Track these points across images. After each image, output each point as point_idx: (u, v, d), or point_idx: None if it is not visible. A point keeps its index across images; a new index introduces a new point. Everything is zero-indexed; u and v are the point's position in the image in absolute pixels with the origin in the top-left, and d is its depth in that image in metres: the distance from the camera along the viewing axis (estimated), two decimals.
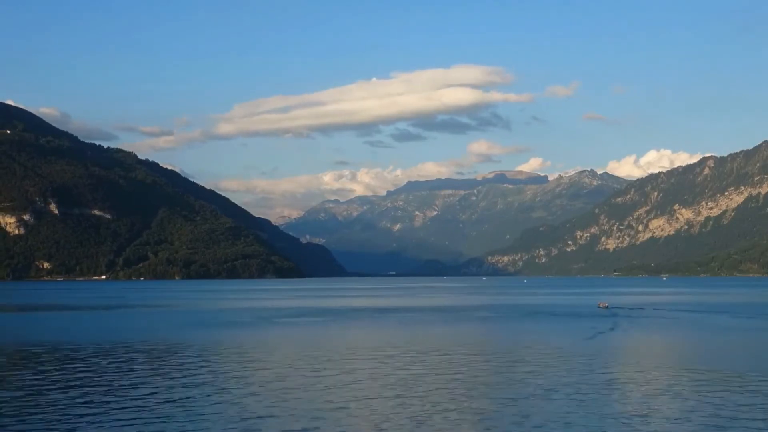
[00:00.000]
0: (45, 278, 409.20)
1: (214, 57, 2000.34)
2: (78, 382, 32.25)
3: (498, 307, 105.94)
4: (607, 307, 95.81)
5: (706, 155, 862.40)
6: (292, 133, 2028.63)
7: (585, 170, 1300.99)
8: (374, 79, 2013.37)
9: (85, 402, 27.47)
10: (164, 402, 27.40)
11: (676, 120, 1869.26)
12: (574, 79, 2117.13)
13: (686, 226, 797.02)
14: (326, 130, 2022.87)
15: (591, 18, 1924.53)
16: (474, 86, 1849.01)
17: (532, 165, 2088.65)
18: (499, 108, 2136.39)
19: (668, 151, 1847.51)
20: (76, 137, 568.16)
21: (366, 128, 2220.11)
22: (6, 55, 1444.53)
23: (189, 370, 36.36)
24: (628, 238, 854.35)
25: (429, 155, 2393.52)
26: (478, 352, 43.97)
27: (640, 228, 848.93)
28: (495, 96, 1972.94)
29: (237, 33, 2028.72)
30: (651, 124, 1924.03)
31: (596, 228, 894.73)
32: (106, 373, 35.32)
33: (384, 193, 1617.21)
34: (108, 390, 30.19)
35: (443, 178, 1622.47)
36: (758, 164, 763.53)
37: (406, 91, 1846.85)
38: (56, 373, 35.23)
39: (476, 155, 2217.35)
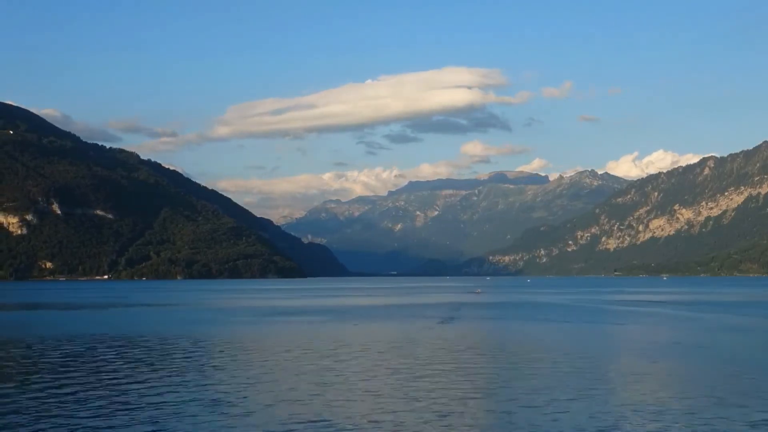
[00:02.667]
0: (47, 278, 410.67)
1: (207, 59, 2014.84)
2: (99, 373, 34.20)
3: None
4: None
5: (706, 155, 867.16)
6: (290, 135, 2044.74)
7: (585, 170, 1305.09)
8: (368, 81, 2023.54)
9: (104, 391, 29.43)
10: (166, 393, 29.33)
11: (676, 120, 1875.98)
12: (569, 81, 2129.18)
13: (686, 226, 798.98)
14: (323, 131, 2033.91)
15: (585, 19, 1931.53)
16: (468, 88, 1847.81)
17: (532, 165, 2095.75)
18: (496, 109, 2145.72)
19: (669, 152, 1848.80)
20: (79, 137, 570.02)
21: (362, 130, 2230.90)
22: (6, 57, 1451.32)
23: (197, 362, 38.33)
24: (628, 238, 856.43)
25: (426, 157, 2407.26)
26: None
27: (641, 228, 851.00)
28: (490, 97, 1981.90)
29: (227, 35, 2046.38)
30: (649, 125, 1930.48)
31: (597, 228, 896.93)
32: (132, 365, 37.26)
33: (385, 193, 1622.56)
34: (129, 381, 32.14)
35: (444, 178, 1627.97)
36: (758, 164, 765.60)
37: (401, 93, 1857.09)
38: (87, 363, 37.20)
39: (474, 156, 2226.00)
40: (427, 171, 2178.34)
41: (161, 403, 26.48)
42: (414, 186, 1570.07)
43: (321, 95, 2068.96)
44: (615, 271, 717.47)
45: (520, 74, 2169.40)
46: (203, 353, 43.01)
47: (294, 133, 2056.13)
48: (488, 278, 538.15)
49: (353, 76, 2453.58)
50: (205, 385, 30.63)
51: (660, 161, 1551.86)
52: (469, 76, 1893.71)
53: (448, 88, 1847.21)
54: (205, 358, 40.38)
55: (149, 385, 30.56)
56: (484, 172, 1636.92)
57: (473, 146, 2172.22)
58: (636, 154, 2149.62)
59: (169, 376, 33.12)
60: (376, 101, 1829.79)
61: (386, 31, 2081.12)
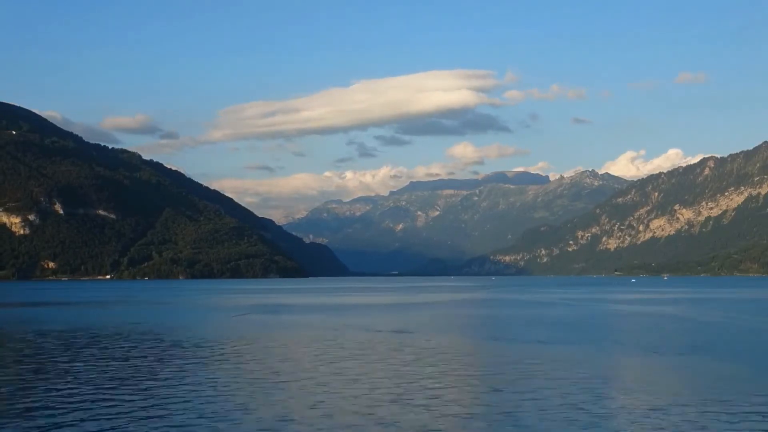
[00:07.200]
0: (50, 278, 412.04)
1: (201, 61, 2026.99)
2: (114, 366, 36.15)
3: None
4: None
5: (707, 155, 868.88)
6: (284, 137, 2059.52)
7: (586, 170, 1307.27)
8: (356, 84, 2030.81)
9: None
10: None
11: (675, 121, 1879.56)
12: (556, 84, 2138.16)
13: (687, 226, 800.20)
14: (316, 134, 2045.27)
15: (582, 20, 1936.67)
16: (458, 90, 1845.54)
17: (532, 166, 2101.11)
18: (489, 111, 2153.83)
19: (670, 152, 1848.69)
20: (81, 138, 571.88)
21: (355, 133, 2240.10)
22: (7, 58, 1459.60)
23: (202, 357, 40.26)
24: (629, 238, 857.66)
25: (422, 159, 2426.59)
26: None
27: (641, 228, 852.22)
28: (483, 99, 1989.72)
29: (217, 38, 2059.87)
30: (643, 126, 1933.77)
31: (597, 228, 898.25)
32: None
33: (386, 193, 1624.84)
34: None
35: (445, 178, 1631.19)
36: (758, 164, 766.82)
37: (392, 96, 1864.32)
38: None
39: (465, 158, 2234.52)
40: (422, 173, 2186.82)
41: (172, 394, 28.51)
42: (415, 186, 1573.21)
43: (310, 98, 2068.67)
44: (615, 270, 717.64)
45: (509, 77, 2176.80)
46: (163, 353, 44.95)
47: (287, 135, 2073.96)
48: (493, 278, 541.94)
49: (341, 79, 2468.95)
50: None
51: (658, 162, 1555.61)
52: (458, 79, 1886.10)
53: (438, 91, 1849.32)
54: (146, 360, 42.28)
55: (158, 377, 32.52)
56: (483, 173, 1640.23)
57: (464, 148, 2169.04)
58: (641, 152, 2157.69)
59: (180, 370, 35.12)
60: (366, 104, 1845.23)
61: (378, 34, 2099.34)
